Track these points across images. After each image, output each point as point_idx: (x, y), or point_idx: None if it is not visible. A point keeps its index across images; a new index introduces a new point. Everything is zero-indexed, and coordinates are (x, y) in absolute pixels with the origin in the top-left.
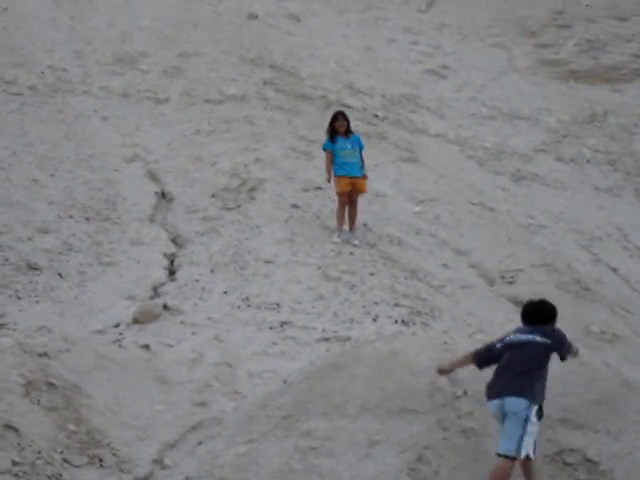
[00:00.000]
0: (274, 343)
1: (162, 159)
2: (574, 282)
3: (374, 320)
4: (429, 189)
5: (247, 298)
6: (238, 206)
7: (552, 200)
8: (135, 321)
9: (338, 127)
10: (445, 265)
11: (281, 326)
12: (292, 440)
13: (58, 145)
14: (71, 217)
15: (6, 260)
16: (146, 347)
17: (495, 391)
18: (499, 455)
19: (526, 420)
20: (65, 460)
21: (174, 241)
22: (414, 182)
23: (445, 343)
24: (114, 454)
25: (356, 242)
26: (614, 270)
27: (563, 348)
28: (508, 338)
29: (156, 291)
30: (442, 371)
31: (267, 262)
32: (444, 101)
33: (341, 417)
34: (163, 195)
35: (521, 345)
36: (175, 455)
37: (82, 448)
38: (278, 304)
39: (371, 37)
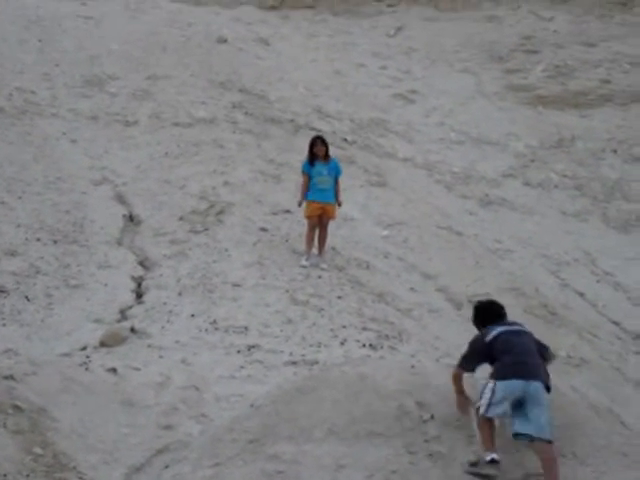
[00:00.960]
0: (241, 367)
1: (130, 182)
2: (541, 306)
3: (342, 344)
4: (397, 213)
5: (215, 321)
6: (206, 229)
7: (520, 225)
8: (102, 344)
9: (317, 151)
10: (413, 289)
11: (248, 349)
12: (259, 464)
13: (26, 167)
14: (39, 240)
15: None
16: (113, 370)
17: (519, 371)
18: (548, 440)
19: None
20: None
21: (142, 264)
22: (382, 206)
23: (413, 367)
24: (80, 478)
25: (324, 266)
26: (581, 295)
27: (541, 344)
28: (496, 330)
29: (123, 314)
30: (465, 412)
31: (235, 285)
32: (413, 126)
33: (308, 441)
34: (131, 218)
35: (518, 333)
36: (141, 479)
37: (48, 472)
38: (246, 327)
39: (340, 61)
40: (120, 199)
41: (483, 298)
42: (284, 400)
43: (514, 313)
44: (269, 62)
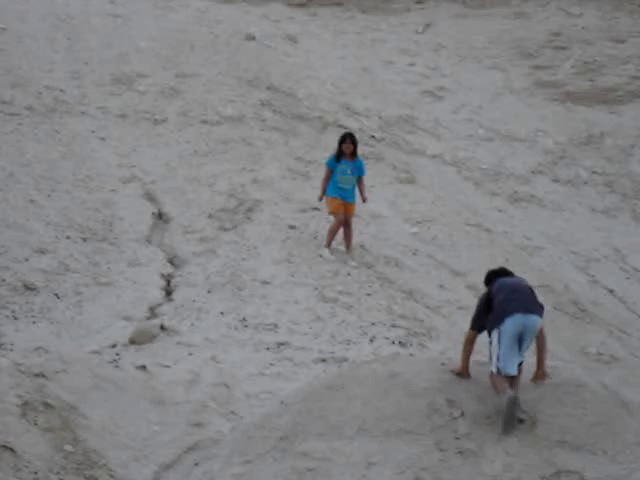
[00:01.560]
0: (271, 364)
1: (159, 180)
2: (571, 303)
3: (371, 341)
4: (426, 210)
5: (244, 319)
6: (235, 227)
7: (549, 221)
8: (132, 342)
9: (344, 149)
10: (442, 286)
11: (278, 347)
12: (289, 461)
13: (55, 166)
14: (68, 238)
15: (3, 280)
16: (143, 368)
17: (518, 304)
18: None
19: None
20: None
21: (171, 262)
22: (411, 203)
23: (443, 364)
24: (111, 475)
25: (353, 263)
26: (611, 292)
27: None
28: (498, 284)
29: (153, 312)
30: (460, 373)
31: (264, 283)
32: (441, 122)
33: (338, 438)
34: (160, 216)
35: (516, 282)
36: (172, 476)
37: (78, 469)
38: (275, 325)
39: (368, 58)
40: (149, 197)
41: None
42: (314, 397)
43: (544, 310)
44: (297, 59)
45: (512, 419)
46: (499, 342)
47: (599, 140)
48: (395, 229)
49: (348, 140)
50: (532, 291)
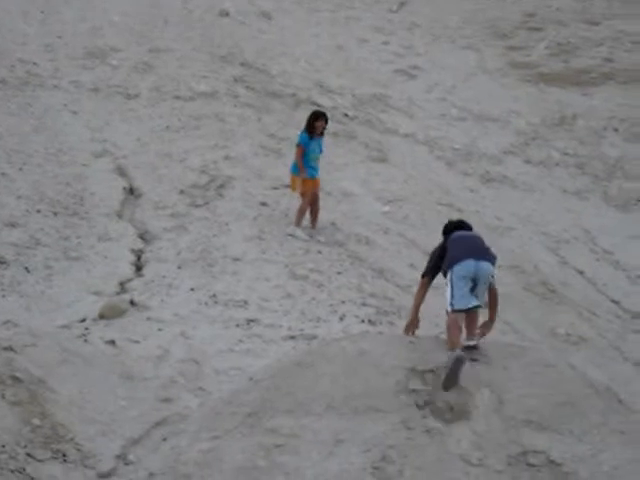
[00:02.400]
0: (240, 340)
1: (131, 155)
2: (541, 284)
3: (341, 319)
4: (398, 189)
5: (214, 295)
6: (206, 203)
7: (520, 202)
8: (101, 316)
9: (318, 127)
10: (412, 265)
11: (248, 323)
12: (256, 437)
13: (27, 139)
14: (39, 211)
15: None
16: (112, 343)
17: (470, 252)
18: (477, 307)
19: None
20: (29, 454)
21: (142, 237)
22: (383, 182)
23: (411, 342)
24: (78, 449)
25: (322, 239)
26: (581, 273)
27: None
28: (451, 235)
29: (123, 287)
30: (409, 326)
31: (235, 260)
32: (414, 101)
33: (306, 415)
34: (131, 191)
35: (469, 235)
36: (139, 451)
37: (46, 443)
38: (245, 301)
39: (342, 36)
40: (121, 172)
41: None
42: (283, 374)
43: (513, 290)
44: (271, 36)
45: (455, 377)
46: (452, 283)
47: (571, 122)
48: (367, 208)
49: (322, 118)
50: (484, 243)
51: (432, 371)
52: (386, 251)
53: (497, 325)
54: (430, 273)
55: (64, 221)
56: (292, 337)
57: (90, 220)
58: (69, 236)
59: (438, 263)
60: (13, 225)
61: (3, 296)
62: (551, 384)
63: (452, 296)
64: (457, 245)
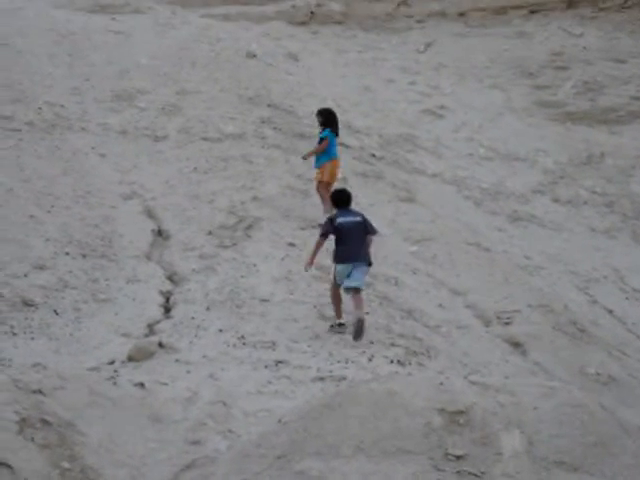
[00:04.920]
0: (269, 382)
1: (159, 196)
2: (570, 323)
3: (369, 360)
4: (426, 229)
5: (242, 336)
6: (234, 244)
7: (548, 241)
8: (130, 359)
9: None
10: (441, 305)
11: (276, 365)
12: None
13: (55, 181)
14: (67, 254)
15: (1, 296)
16: (141, 385)
17: (349, 257)
18: (357, 288)
19: (366, 272)
20: None
21: (170, 279)
22: (411, 222)
23: (441, 384)
24: None
25: None
26: (610, 312)
27: (369, 225)
28: (339, 221)
29: (151, 329)
30: (306, 265)
31: (263, 300)
32: (441, 141)
33: (335, 457)
34: (160, 232)
35: (352, 225)
36: None
37: None
38: (274, 343)
39: (369, 77)
40: (149, 214)
41: (338, 188)
42: (312, 416)
43: (543, 330)
44: (298, 77)
45: (360, 331)
46: (335, 271)
47: (599, 160)
48: (395, 247)
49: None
50: (362, 238)
51: (462, 412)
52: (414, 291)
53: (526, 365)
54: (323, 236)
55: (92, 263)
56: (321, 378)
57: (118, 262)
58: (97, 278)
59: (328, 234)
60: (42, 268)
61: (32, 338)
62: (582, 424)
63: (335, 277)
64: (342, 242)
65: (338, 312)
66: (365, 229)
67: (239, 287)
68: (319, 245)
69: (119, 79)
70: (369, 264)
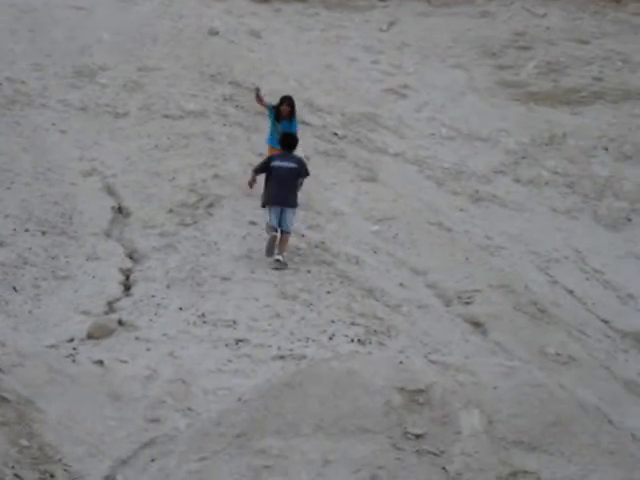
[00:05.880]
0: (229, 360)
1: (120, 173)
2: (531, 303)
3: (330, 339)
4: (387, 208)
5: (203, 315)
6: (195, 222)
7: (510, 221)
8: (89, 336)
9: (282, 111)
10: (402, 284)
11: (237, 343)
12: (245, 458)
13: (15, 158)
14: (27, 230)
15: None
16: (100, 362)
17: (278, 201)
18: (286, 231)
19: (295, 215)
20: (16, 475)
21: (130, 256)
22: (372, 201)
23: (401, 363)
24: (66, 470)
25: None
26: (571, 292)
27: (304, 170)
28: (276, 163)
29: (111, 306)
30: (249, 182)
31: (224, 279)
32: (404, 120)
33: (295, 436)
34: (120, 210)
35: (286, 170)
36: (127, 472)
37: (34, 463)
38: (234, 321)
39: (332, 55)
40: (109, 191)
41: (287, 132)
42: (272, 394)
43: (503, 310)
44: (260, 55)
45: (271, 249)
46: (267, 213)
47: (561, 141)
48: (356, 227)
49: (286, 102)
50: (294, 183)
51: (422, 391)
52: (375, 270)
53: (487, 345)
54: (257, 172)
55: (52, 240)
56: (281, 357)
57: (78, 239)
58: (57, 255)
59: (262, 171)
60: (1, 244)
61: None
62: (541, 404)
63: (267, 216)
64: (273, 186)
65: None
66: (298, 175)
67: (200, 265)
68: (253, 176)
69: (80, 55)
70: (295, 206)
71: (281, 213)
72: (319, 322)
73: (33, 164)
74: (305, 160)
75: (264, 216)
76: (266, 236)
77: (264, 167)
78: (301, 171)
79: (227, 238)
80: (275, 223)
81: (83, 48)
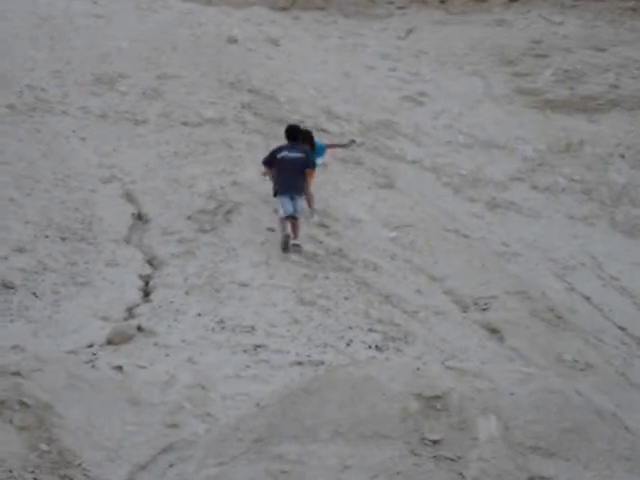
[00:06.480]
0: (247, 366)
1: (139, 180)
2: (547, 310)
3: (348, 345)
4: (405, 215)
5: (221, 321)
6: (214, 229)
7: (527, 228)
8: (109, 342)
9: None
10: (419, 291)
11: (255, 349)
12: (263, 463)
13: (35, 164)
14: (47, 237)
15: None
16: (119, 368)
17: (288, 189)
18: (297, 218)
19: (302, 203)
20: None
21: (149, 262)
22: (390, 208)
23: (418, 369)
24: (85, 474)
25: (316, 218)
26: (587, 299)
27: (309, 163)
28: (281, 154)
29: (130, 312)
30: (265, 173)
31: (242, 285)
32: (421, 128)
33: (313, 441)
34: (139, 216)
35: (293, 160)
36: (146, 477)
37: (53, 468)
38: (252, 327)
39: (350, 63)
40: (129, 197)
41: (293, 122)
42: (290, 400)
43: (520, 316)
44: (279, 63)
45: (286, 246)
46: (279, 204)
47: (578, 148)
48: (374, 233)
49: (307, 139)
50: (301, 171)
51: (439, 397)
52: (393, 277)
53: (503, 351)
54: (266, 164)
55: (72, 246)
56: (299, 363)
57: (98, 245)
58: (77, 261)
59: (270, 164)
60: (21, 250)
61: (11, 321)
62: (558, 410)
63: (279, 208)
64: (281, 175)
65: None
66: (305, 164)
67: (218, 271)
68: (266, 171)
69: (100, 63)
70: (303, 195)
71: (292, 200)
72: (337, 328)
73: (53, 171)
74: (310, 152)
75: (277, 208)
76: (280, 227)
77: (270, 159)
78: (307, 161)
79: (245, 244)
80: (291, 210)
81: (103, 56)
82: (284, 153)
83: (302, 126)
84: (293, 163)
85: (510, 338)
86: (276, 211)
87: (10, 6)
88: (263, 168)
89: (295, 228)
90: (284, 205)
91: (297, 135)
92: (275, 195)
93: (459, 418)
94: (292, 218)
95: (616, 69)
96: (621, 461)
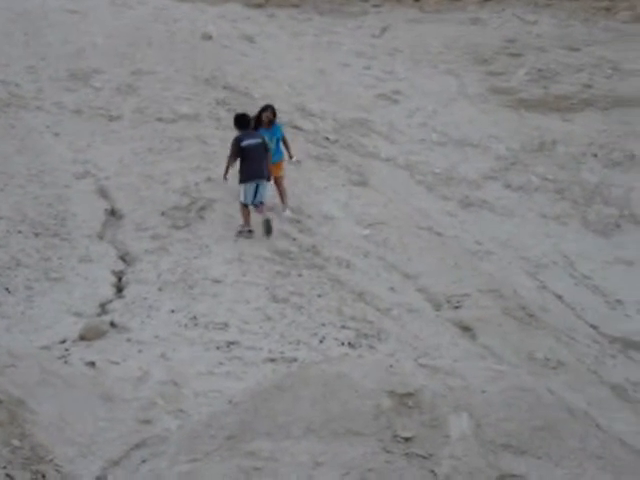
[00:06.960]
0: (220, 363)
1: (113, 176)
2: (519, 308)
3: (321, 342)
4: (378, 213)
5: (194, 317)
6: (188, 225)
7: (499, 227)
8: (81, 338)
9: (264, 117)
10: (392, 289)
11: (228, 346)
12: (236, 460)
13: (9, 160)
14: (20, 232)
15: None
16: (92, 364)
17: (252, 176)
18: (262, 202)
19: (269, 188)
20: (8, 475)
21: (123, 258)
22: (363, 205)
23: (391, 366)
24: (57, 470)
25: (288, 213)
26: (559, 297)
27: (267, 146)
28: (244, 143)
29: (103, 308)
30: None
31: (215, 281)
32: (395, 126)
33: (285, 438)
34: (113, 212)
35: (255, 146)
36: (118, 473)
37: (25, 464)
38: (225, 324)
39: (325, 61)
40: (102, 193)
41: (239, 112)
42: (262, 397)
43: (492, 314)
44: (254, 59)
45: (269, 228)
46: (242, 190)
47: (551, 147)
48: (347, 231)
49: (269, 110)
50: (265, 154)
51: (411, 394)
52: (366, 274)
53: (476, 349)
54: (232, 159)
55: (45, 242)
56: (272, 360)
57: (71, 241)
58: (50, 257)
59: (236, 157)
60: None
61: None
62: (529, 408)
63: (242, 196)
64: (246, 163)
65: (247, 221)
66: (265, 148)
67: (191, 268)
68: (229, 164)
69: (75, 58)
70: (268, 179)
71: (256, 187)
72: (310, 325)
73: (27, 166)
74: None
75: (239, 195)
76: (242, 213)
77: (237, 151)
78: (265, 144)
79: (219, 241)
80: (250, 200)
81: (77, 51)
82: (247, 141)
83: (278, 122)
84: (255, 149)
85: (482, 336)
86: (240, 200)
87: None
88: (231, 165)
89: (261, 211)
90: (247, 192)
91: (248, 122)
92: (241, 181)
93: (431, 415)
94: (254, 206)
95: (589, 69)
96: (592, 459)
